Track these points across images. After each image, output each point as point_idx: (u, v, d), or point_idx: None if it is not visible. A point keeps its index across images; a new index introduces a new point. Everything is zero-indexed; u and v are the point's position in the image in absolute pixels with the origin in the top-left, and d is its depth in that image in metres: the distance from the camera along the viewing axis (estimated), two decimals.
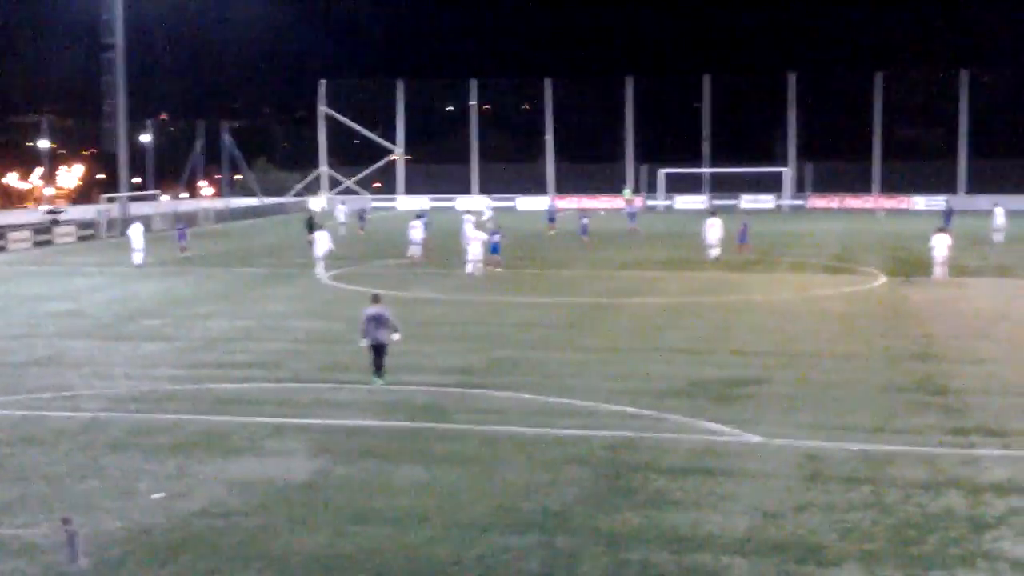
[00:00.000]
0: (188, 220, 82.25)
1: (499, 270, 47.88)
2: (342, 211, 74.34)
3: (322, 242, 48.37)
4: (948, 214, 66.27)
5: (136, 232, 53.67)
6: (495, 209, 79.31)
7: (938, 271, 44.61)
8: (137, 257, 52.78)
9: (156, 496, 17.81)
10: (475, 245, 47.01)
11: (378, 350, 25.59)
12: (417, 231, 54.63)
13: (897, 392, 24.99)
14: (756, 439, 20.98)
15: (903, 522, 16.32)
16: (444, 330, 34.09)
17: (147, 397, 24.95)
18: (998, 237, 59.64)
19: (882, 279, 45.35)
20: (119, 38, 79.73)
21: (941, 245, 45.06)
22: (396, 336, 25.81)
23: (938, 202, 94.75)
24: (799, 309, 37.92)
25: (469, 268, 46.35)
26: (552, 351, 30.48)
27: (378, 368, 25.62)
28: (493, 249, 48.47)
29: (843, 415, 22.86)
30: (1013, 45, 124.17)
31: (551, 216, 73.08)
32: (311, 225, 58.92)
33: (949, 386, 25.51)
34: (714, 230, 52.99)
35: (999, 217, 60.83)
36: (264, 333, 33.82)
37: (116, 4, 79.32)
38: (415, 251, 53.98)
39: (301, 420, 22.71)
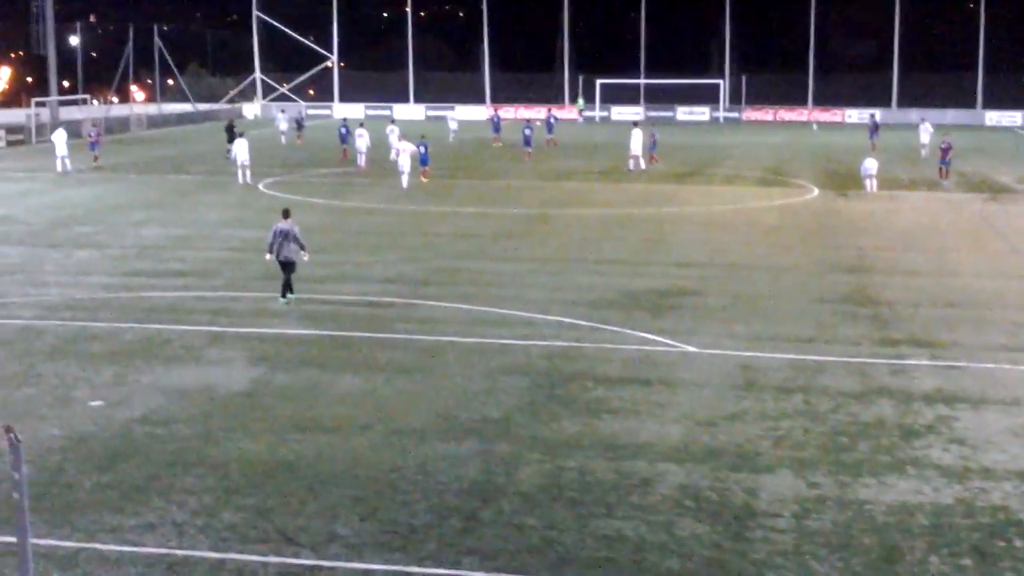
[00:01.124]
0: (119, 126, 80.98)
1: (425, 180, 47.44)
2: (282, 119, 72.84)
3: (242, 150, 47.79)
4: (874, 128, 66.79)
5: (59, 138, 52.29)
6: (458, 122, 76.97)
7: (869, 184, 45.19)
8: (60, 164, 51.41)
9: (94, 403, 17.78)
10: (404, 156, 46.49)
11: (286, 267, 24.73)
12: (364, 140, 54.45)
13: (829, 303, 25.41)
14: (691, 349, 21.29)
15: (834, 430, 16.71)
16: (382, 240, 34.05)
17: (82, 305, 24.76)
18: (924, 152, 60.19)
19: (815, 192, 45.79)
20: None
21: (872, 163, 45.95)
22: (305, 256, 25.02)
23: (872, 115, 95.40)
24: (733, 221, 38.26)
25: (404, 181, 45.97)
26: (489, 261, 30.60)
27: (286, 285, 24.79)
28: (422, 160, 47.99)
29: (776, 326, 23.23)
30: None
31: (496, 127, 71.71)
32: (231, 133, 57.91)
33: (880, 297, 25.97)
34: (636, 141, 53.60)
35: (924, 133, 61.38)
36: (199, 241, 33.59)
37: None
38: (363, 160, 53.79)
39: (239, 329, 22.69)
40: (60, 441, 16.08)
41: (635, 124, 57.51)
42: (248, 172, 47.56)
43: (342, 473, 14.94)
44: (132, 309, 24.45)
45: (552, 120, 72.69)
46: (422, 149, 48.15)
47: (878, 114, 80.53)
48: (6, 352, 20.82)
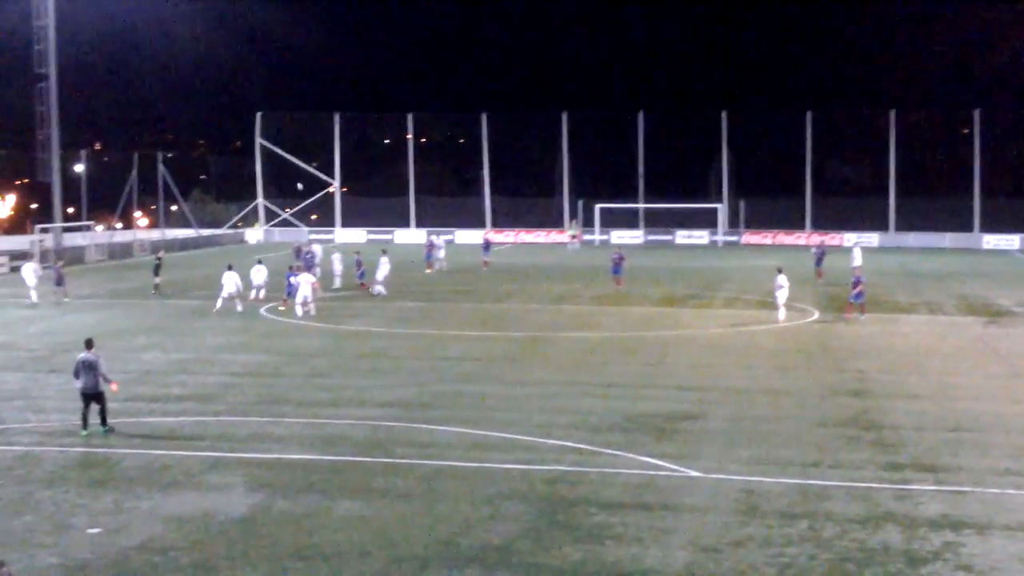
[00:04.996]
0: (122, 251, 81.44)
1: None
2: (337, 260, 59.05)
3: (259, 275, 47.98)
4: (820, 256, 65.61)
5: (28, 271, 50.57)
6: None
7: (780, 313, 43.93)
8: (33, 295, 49.44)
9: (92, 531, 17.62)
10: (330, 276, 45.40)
11: (92, 398, 24.31)
12: (261, 274, 49.83)
13: (832, 427, 25.29)
14: (694, 473, 21.14)
15: (840, 557, 16.52)
16: (382, 363, 34.02)
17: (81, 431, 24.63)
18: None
19: (815, 315, 45.83)
20: (52, 68, 78.96)
21: (782, 282, 44.04)
22: (113, 387, 24.70)
23: (870, 239, 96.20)
24: (734, 344, 38.26)
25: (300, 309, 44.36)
26: (489, 385, 30.50)
27: (101, 415, 24.37)
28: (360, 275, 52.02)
29: (779, 450, 23.10)
30: (939, 86, 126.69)
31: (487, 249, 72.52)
32: (158, 268, 56.04)
33: (883, 421, 25.86)
34: (384, 267, 53.58)
35: (857, 258, 61.14)
36: (199, 366, 33.55)
37: (49, 34, 78.58)
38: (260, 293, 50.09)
39: (239, 454, 22.57)
40: (57, 570, 15.90)
41: (383, 251, 56.80)
42: (261, 292, 47.53)
43: None
44: (132, 435, 24.37)
45: (486, 244, 73.40)
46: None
47: (825, 240, 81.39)
48: (4, 479, 20.69)
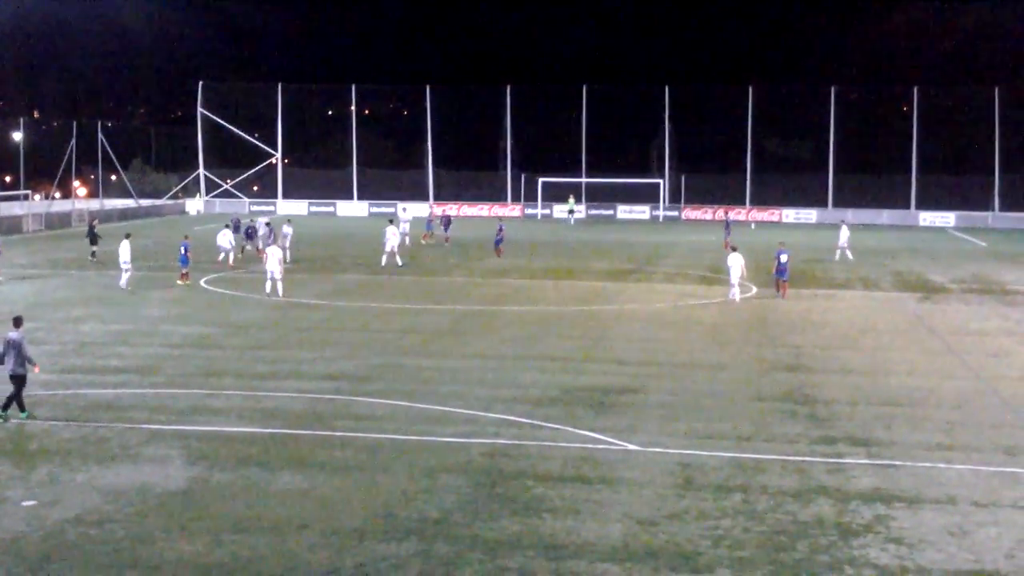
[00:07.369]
0: (60, 221, 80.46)
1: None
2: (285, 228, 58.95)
3: (124, 250, 45.23)
4: (727, 226, 68.07)
5: None
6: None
7: (733, 292, 42.77)
8: None
9: (27, 504, 17.53)
10: (272, 261, 42.51)
11: (15, 381, 22.80)
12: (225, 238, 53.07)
13: (767, 402, 25.61)
14: (631, 447, 21.35)
15: (774, 529, 16.79)
16: (322, 336, 33.97)
17: None
18: (839, 254, 59.89)
19: (753, 290, 46.22)
20: None
21: (736, 265, 42.72)
22: (35, 369, 23.19)
23: (808, 215, 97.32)
24: (673, 319, 38.55)
25: (269, 287, 42.34)
26: (429, 358, 30.56)
27: (18, 402, 22.79)
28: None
29: (716, 424, 23.37)
30: (879, 64, 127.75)
31: (429, 224, 71.00)
32: (93, 235, 56.15)
33: (817, 396, 26.22)
34: (392, 237, 53.98)
35: (844, 235, 61.39)
36: (139, 338, 33.33)
37: None
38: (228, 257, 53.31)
39: (177, 427, 22.49)
40: None
41: (390, 221, 57.13)
42: (127, 273, 45.13)
43: (279, 575, 14.79)
44: (69, 407, 24.19)
45: (446, 218, 72.46)
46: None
47: (732, 213, 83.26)
48: None
